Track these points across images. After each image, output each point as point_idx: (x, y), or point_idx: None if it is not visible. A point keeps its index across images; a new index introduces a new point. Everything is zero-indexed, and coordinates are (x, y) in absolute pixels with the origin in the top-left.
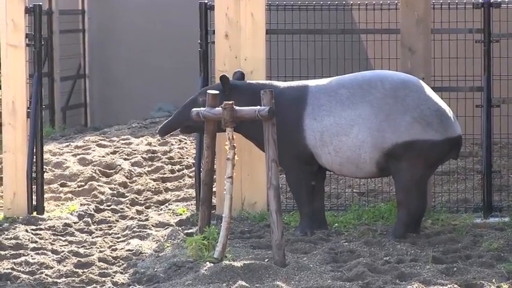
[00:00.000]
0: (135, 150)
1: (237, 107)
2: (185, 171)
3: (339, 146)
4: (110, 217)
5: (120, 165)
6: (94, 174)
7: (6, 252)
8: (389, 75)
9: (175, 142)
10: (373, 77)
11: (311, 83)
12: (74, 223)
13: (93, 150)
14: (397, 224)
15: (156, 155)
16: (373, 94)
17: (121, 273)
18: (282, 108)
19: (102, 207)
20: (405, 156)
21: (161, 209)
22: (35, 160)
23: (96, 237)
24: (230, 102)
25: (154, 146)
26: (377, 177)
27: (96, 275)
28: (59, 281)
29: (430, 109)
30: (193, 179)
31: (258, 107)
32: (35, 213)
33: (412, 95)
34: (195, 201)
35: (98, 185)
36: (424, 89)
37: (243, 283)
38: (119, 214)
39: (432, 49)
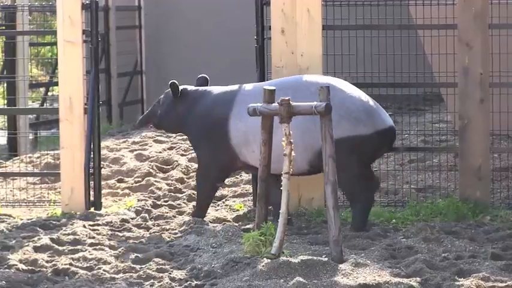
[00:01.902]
0: (191, 146)
1: (293, 103)
2: None
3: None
4: (167, 213)
5: (177, 160)
6: (151, 170)
7: (64, 247)
8: (314, 79)
9: None
10: (299, 81)
11: (243, 86)
12: (131, 219)
13: (150, 146)
14: (353, 218)
15: None
16: (297, 97)
17: (178, 268)
18: (213, 110)
19: (159, 202)
20: (339, 154)
21: (218, 205)
22: (92, 156)
23: (154, 232)
24: (287, 98)
25: None
26: (307, 174)
27: (153, 271)
28: (116, 276)
29: (355, 105)
30: (250, 174)
31: (315, 102)
32: (92, 209)
33: (337, 94)
34: (252, 197)
35: (155, 181)
36: (348, 88)
37: (301, 279)
38: (176, 210)
39: (490, 44)
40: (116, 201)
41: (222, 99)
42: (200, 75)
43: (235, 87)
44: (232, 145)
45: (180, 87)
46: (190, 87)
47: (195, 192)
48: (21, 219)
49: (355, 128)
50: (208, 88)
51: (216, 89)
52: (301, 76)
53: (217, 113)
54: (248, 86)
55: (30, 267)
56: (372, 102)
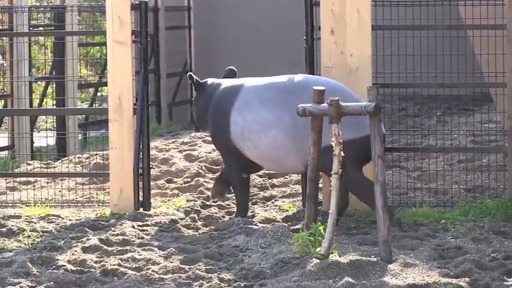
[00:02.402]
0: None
1: (343, 103)
2: None
3: (258, 142)
4: (216, 213)
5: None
6: (200, 171)
7: (113, 248)
8: (313, 81)
9: None
10: (298, 83)
11: (248, 80)
12: (180, 219)
13: (200, 147)
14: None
15: None
16: (291, 100)
17: (227, 269)
18: (219, 103)
19: (208, 203)
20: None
21: (267, 205)
22: (141, 156)
23: (203, 233)
24: (336, 98)
25: None
26: (304, 172)
27: (202, 271)
28: (165, 277)
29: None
30: (300, 175)
31: (364, 102)
32: (141, 210)
33: (338, 95)
34: (301, 197)
35: (204, 181)
36: (343, 93)
37: (350, 279)
38: (225, 210)
39: None
40: (165, 202)
41: (228, 92)
42: (228, 67)
43: (241, 80)
44: (232, 139)
45: (204, 80)
46: (211, 80)
47: None
48: (70, 220)
49: (346, 133)
50: (221, 81)
51: (226, 82)
52: (307, 77)
53: (222, 106)
54: (252, 81)
55: (78, 268)
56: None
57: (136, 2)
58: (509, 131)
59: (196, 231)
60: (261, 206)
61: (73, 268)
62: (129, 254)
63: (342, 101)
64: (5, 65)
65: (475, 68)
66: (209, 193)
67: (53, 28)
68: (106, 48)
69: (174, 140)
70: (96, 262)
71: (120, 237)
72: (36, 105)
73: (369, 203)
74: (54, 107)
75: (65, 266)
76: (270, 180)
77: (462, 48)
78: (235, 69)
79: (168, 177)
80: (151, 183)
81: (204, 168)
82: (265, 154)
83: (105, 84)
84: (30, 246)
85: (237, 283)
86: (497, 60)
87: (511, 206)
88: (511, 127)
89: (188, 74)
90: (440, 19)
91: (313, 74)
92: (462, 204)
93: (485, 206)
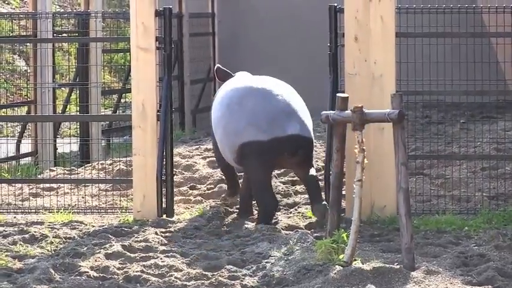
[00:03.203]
0: None
1: (366, 110)
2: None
3: (217, 139)
4: (239, 220)
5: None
6: (223, 177)
7: (136, 254)
8: (252, 81)
9: None
10: (244, 83)
11: (231, 80)
12: (204, 226)
13: None
14: (257, 220)
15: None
16: (229, 99)
17: (250, 276)
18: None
19: (231, 209)
20: (246, 157)
21: (290, 212)
22: (164, 163)
23: (226, 240)
24: (359, 105)
25: None
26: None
27: (225, 278)
28: (188, 283)
29: (263, 112)
30: (323, 182)
31: (388, 110)
32: (164, 216)
33: (252, 100)
34: None
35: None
36: (269, 93)
37: (373, 287)
38: (249, 217)
39: None
40: (188, 208)
41: (223, 89)
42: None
43: (235, 80)
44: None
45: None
46: (238, 74)
47: None
48: (93, 226)
49: (256, 134)
50: (236, 77)
51: (232, 79)
52: (258, 78)
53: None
54: (232, 82)
55: (101, 275)
56: (286, 109)
57: (161, 9)
58: None
59: (219, 238)
60: (284, 213)
61: (96, 275)
62: (152, 261)
63: (255, 97)
64: (28, 71)
65: (499, 76)
66: (232, 199)
67: (77, 34)
68: (130, 54)
69: (197, 146)
70: (119, 269)
71: (143, 244)
72: (60, 112)
73: (259, 204)
74: (78, 113)
75: (88, 272)
76: (294, 187)
77: (486, 55)
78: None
79: (192, 184)
80: (175, 190)
81: None
82: (222, 150)
83: (129, 90)
84: (53, 252)
85: None
86: None
87: None
88: None
89: (216, 66)
90: (464, 27)
91: (337, 81)
92: (485, 212)
93: (508, 213)
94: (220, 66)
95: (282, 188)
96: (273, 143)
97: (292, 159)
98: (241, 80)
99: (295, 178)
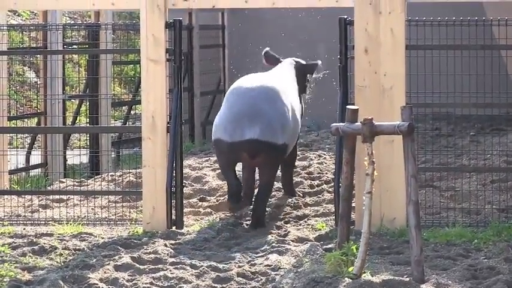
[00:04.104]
0: None
1: (376, 123)
2: (324, 186)
3: None
4: (248, 232)
5: (259, 180)
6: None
7: (145, 266)
8: (241, 82)
9: (315, 157)
10: (239, 81)
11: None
12: (213, 238)
13: None
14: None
15: (295, 170)
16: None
17: None
18: None
19: (241, 221)
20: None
21: (300, 224)
22: (174, 174)
23: (235, 252)
24: (369, 117)
25: None
26: None
27: None
28: None
29: (232, 113)
30: (333, 194)
31: (398, 122)
32: (174, 228)
33: (231, 100)
34: (334, 217)
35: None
36: (244, 95)
37: None
38: (258, 229)
39: None
40: (198, 220)
41: None
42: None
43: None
44: None
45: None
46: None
47: (277, 211)
48: (102, 238)
49: (222, 134)
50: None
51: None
52: (251, 78)
53: None
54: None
55: (110, 286)
56: (251, 115)
57: (171, 21)
58: None
59: (229, 250)
60: (293, 225)
61: (105, 286)
62: (162, 273)
63: (233, 97)
64: (39, 82)
65: (509, 88)
66: (242, 211)
67: (87, 46)
68: (140, 66)
69: (207, 158)
70: (128, 280)
71: (153, 256)
72: (70, 123)
73: None
74: (88, 124)
75: (97, 284)
76: (303, 199)
77: (496, 68)
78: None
79: (201, 196)
80: (184, 202)
81: None
82: None
83: (139, 102)
84: (63, 264)
85: None
86: None
87: None
88: None
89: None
90: (474, 39)
91: (346, 93)
92: (495, 225)
93: None
94: (269, 51)
95: (292, 200)
96: (233, 145)
97: (254, 161)
98: (245, 76)
99: (305, 190)
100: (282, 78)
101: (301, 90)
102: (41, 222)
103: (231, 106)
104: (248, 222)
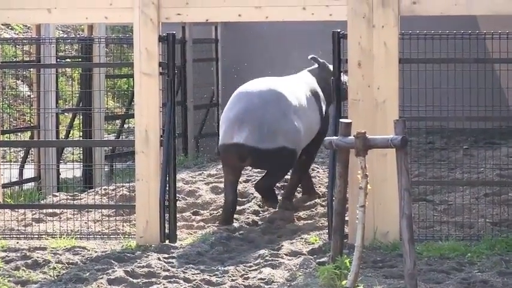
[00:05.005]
0: None
1: (369, 136)
2: (317, 200)
3: None
4: (242, 245)
5: (252, 193)
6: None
7: (139, 280)
8: (246, 85)
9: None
10: (244, 85)
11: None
12: (206, 252)
13: None
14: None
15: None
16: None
17: None
18: None
19: (234, 235)
20: None
21: (293, 238)
22: (167, 188)
23: (228, 265)
24: (363, 131)
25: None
26: None
27: None
28: None
29: (227, 118)
30: (326, 207)
31: (391, 136)
32: (167, 242)
33: (231, 103)
34: (327, 230)
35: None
36: (241, 100)
37: None
38: (251, 243)
39: None
40: (191, 234)
41: None
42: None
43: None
44: None
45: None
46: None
47: (270, 225)
48: (96, 252)
49: (221, 137)
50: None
51: None
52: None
53: None
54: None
55: None
56: (244, 119)
57: (164, 34)
58: None
59: (222, 264)
60: (287, 239)
61: None
62: (155, 286)
63: (232, 103)
64: (32, 96)
65: (502, 102)
66: (235, 225)
67: (80, 60)
68: (133, 80)
69: (200, 172)
70: None
71: (146, 270)
72: (63, 137)
73: None
74: (81, 138)
75: None
76: (296, 213)
77: (489, 81)
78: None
79: (194, 210)
80: (178, 216)
81: None
82: None
83: (132, 116)
84: (56, 278)
85: None
86: None
87: None
88: None
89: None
90: (467, 52)
91: (340, 108)
92: (488, 238)
93: (511, 239)
94: (314, 56)
95: (285, 214)
96: (223, 148)
97: (244, 164)
98: (254, 80)
99: (298, 204)
100: (292, 83)
101: (328, 96)
102: (35, 236)
103: (229, 109)
104: (241, 236)
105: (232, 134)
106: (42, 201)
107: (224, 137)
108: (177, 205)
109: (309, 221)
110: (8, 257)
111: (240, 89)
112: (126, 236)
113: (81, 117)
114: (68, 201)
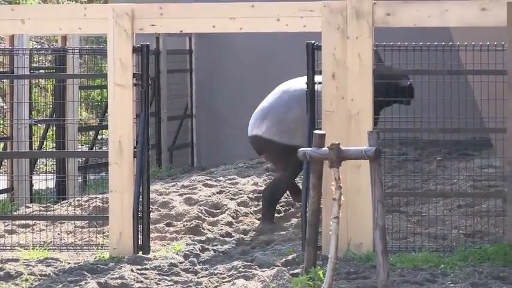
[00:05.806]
0: (241, 190)
1: (343, 148)
2: (291, 211)
3: None
4: (215, 257)
5: (226, 205)
6: (200, 214)
7: None
8: (287, 82)
9: None
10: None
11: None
12: (180, 263)
13: (200, 190)
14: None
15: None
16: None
17: None
18: None
19: (207, 246)
20: None
21: (267, 249)
22: (141, 200)
23: (202, 277)
24: (336, 142)
25: (261, 185)
26: None
27: None
28: None
29: (256, 111)
30: (300, 219)
31: (365, 147)
32: (140, 253)
33: (266, 99)
34: (300, 242)
35: (204, 225)
36: (275, 95)
37: None
38: (225, 254)
39: None
40: (164, 245)
41: None
42: None
43: None
44: None
45: None
46: None
47: (244, 236)
48: (69, 263)
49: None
50: None
51: None
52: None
53: None
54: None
55: None
56: (260, 111)
57: (138, 45)
58: (509, 176)
59: (196, 275)
60: (260, 250)
61: None
62: None
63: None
64: (5, 107)
65: (475, 113)
66: (209, 235)
67: (53, 71)
68: (107, 91)
69: (174, 183)
70: None
71: (119, 281)
72: (36, 148)
73: None
74: (54, 149)
75: None
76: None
77: (463, 93)
78: None
79: (168, 221)
80: (151, 227)
81: (203, 211)
82: None
83: (106, 127)
84: None
85: None
86: (497, 106)
87: (510, 251)
88: (511, 172)
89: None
90: (441, 64)
91: (313, 119)
92: (461, 249)
93: (484, 251)
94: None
95: (259, 225)
96: (249, 139)
97: (262, 157)
98: (298, 78)
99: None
100: None
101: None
102: (7, 247)
103: (263, 102)
104: (214, 247)
105: (254, 126)
106: (14, 213)
107: (248, 128)
108: (151, 216)
109: (283, 232)
110: None
111: (281, 84)
112: (99, 248)
113: (54, 128)
114: (41, 212)
